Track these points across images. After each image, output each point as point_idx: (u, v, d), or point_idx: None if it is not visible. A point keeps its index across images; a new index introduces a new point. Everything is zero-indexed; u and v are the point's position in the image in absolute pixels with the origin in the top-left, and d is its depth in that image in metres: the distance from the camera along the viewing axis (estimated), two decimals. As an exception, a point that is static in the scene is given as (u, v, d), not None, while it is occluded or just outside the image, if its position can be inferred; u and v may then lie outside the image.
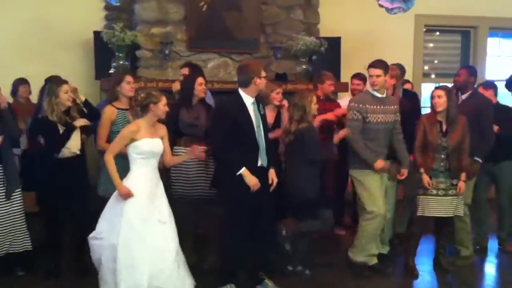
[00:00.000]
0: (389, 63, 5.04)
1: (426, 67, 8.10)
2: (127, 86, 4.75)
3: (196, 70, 5.21)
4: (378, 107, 4.61)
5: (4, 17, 6.48)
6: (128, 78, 4.80)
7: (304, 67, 6.53)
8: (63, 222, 4.58)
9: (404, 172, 4.77)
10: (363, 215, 4.68)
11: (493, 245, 5.55)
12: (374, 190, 4.64)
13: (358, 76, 5.81)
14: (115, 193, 3.94)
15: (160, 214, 3.96)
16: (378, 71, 4.57)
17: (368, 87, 5.05)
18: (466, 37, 8.13)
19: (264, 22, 6.64)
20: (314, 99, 4.71)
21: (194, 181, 4.68)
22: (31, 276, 4.56)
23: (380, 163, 4.60)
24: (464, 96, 5.18)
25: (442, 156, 4.68)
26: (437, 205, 4.69)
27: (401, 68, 5.47)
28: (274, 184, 4.29)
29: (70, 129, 4.42)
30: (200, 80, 4.80)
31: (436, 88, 4.79)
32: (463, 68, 5.47)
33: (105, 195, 4.40)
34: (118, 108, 4.71)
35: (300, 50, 6.44)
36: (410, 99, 5.45)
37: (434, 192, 4.69)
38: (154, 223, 3.92)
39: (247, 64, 4.33)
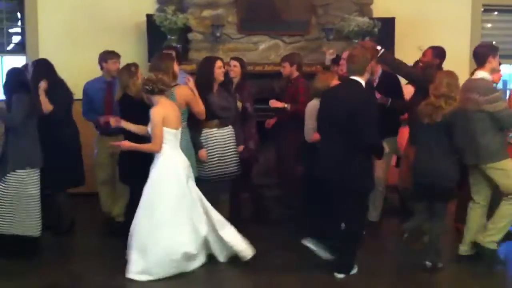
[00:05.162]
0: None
1: (484, 49, 7.80)
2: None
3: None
4: None
5: (55, 1, 6.57)
6: (219, 62, 4.82)
7: (356, 48, 6.37)
8: None
9: None
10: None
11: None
12: None
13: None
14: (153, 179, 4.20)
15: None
16: None
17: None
18: (526, 16, 7.79)
19: (315, 3, 6.53)
20: None
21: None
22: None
23: None
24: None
25: None
26: None
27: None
28: None
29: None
30: (219, 63, 4.79)
31: None
32: (430, 48, 5.15)
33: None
34: None
35: (353, 31, 6.31)
36: (389, 81, 5.24)
37: None
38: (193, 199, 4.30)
39: (362, 53, 4.20)
